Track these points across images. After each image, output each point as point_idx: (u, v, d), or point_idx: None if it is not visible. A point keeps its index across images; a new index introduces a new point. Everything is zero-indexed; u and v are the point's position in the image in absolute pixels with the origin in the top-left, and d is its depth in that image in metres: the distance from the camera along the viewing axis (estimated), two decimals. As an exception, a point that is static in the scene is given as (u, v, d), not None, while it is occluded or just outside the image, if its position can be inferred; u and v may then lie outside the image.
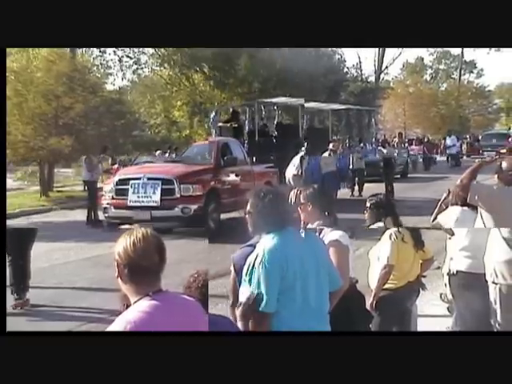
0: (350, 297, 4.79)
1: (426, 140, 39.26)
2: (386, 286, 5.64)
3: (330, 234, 4.86)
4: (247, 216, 4.08)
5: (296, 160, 16.84)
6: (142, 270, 2.68)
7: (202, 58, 30.94)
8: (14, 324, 2.44)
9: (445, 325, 7.55)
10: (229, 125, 19.65)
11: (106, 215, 13.96)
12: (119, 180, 13.97)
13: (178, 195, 13.37)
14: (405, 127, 58.46)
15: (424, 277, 6.20)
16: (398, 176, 27.19)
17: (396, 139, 34.91)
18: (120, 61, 31.10)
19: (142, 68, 33.54)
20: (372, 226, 5.86)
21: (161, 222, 12.54)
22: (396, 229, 5.71)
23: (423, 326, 7.27)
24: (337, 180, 19.24)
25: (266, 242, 3.91)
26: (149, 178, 13.55)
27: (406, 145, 35.01)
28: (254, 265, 3.85)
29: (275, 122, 22.65)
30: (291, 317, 3.86)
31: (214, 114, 19.94)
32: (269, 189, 4.11)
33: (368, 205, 5.87)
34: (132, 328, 2.48)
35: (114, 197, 13.75)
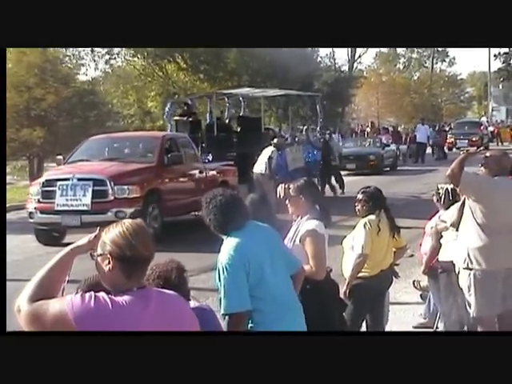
0: (324, 285, 4.87)
1: (392, 129, 39.31)
2: (360, 274, 5.69)
3: (307, 224, 4.91)
4: None
5: (264, 156, 15.64)
6: (141, 260, 2.62)
7: (176, 49, 30.81)
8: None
9: (417, 312, 7.69)
10: (185, 118, 17.99)
11: (32, 221, 12.44)
12: (46, 181, 12.52)
13: (112, 198, 12.00)
14: (378, 116, 58.79)
15: (397, 265, 6.28)
16: (387, 169, 26.94)
17: (368, 128, 34.88)
18: (92, 51, 30.83)
19: (114, 58, 33.28)
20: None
21: (92, 227, 11.26)
22: (370, 217, 5.74)
23: (396, 313, 7.40)
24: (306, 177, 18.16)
25: (224, 246, 3.98)
26: (79, 179, 12.11)
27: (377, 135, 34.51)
28: (218, 270, 3.92)
29: (240, 115, 20.64)
30: (270, 309, 3.92)
31: (168, 106, 18.37)
32: (213, 193, 4.12)
33: (360, 197, 5.84)
34: (103, 307, 2.47)
35: (41, 200, 12.29)
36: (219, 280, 3.90)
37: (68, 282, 2.70)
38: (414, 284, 8.09)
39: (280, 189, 5.24)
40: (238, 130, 18.80)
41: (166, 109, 18.43)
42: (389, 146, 28.92)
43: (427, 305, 7.36)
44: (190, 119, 17.95)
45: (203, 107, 23.68)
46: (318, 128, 21.59)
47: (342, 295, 5.45)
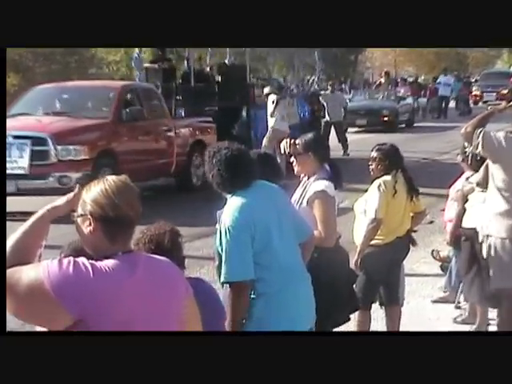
0: (333, 253, 4.84)
1: (411, 80, 38.71)
2: (373, 241, 5.69)
3: (315, 184, 4.85)
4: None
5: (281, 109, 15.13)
6: (126, 221, 2.62)
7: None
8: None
9: (436, 284, 7.73)
10: (157, 66, 16.90)
11: None
12: None
13: (55, 160, 11.17)
14: (395, 65, 58.31)
15: (415, 232, 6.28)
16: (403, 125, 26.57)
17: (382, 79, 34.29)
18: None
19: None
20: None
21: (31, 195, 10.94)
22: (386, 178, 5.71)
23: (413, 286, 7.43)
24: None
25: (227, 206, 3.96)
26: (15, 137, 11.14)
27: (392, 87, 33.76)
28: (220, 232, 3.89)
29: (222, 62, 19.39)
30: (276, 279, 3.91)
31: (137, 51, 17.27)
32: (218, 146, 4.10)
33: (374, 155, 5.81)
34: (83, 271, 2.46)
35: None
36: (220, 244, 3.88)
37: (45, 247, 2.69)
38: (432, 254, 8.11)
39: (285, 144, 5.12)
40: (220, 79, 17.68)
41: (135, 54, 17.33)
42: (405, 99, 28.57)
43: (448, 277, 7.39)
44: (163, 66, 16.93)
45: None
46: (316, 78, 20.95)
47: (352, 265, 5.45)
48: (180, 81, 17.40)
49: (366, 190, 5.92)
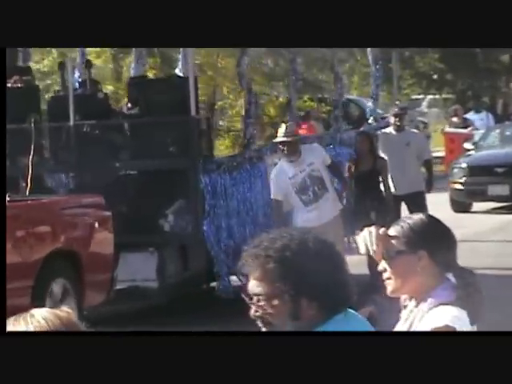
0: None
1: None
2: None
3: (433, 315, 3.65)
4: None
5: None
6: None
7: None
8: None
9: None
10: None
11: None
12: None
13: None
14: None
15: None
16: None
17: None
18: None
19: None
20: None
21: None
22: None
23: None
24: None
25: None
26: None
27: None
28: None
29: (141, 76, 13.64)
30: None
31: None
32: (276, 237, 3.05)
33: None
34: None
35: None
36: None
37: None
38: None
39: (368, 237, 3.72)
40: (137, 111, 12.29)
41: None
42: None
43: None
44: (14, 85, 12.09)
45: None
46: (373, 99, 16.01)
47: None
48: (46, 116, 12.55)
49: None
